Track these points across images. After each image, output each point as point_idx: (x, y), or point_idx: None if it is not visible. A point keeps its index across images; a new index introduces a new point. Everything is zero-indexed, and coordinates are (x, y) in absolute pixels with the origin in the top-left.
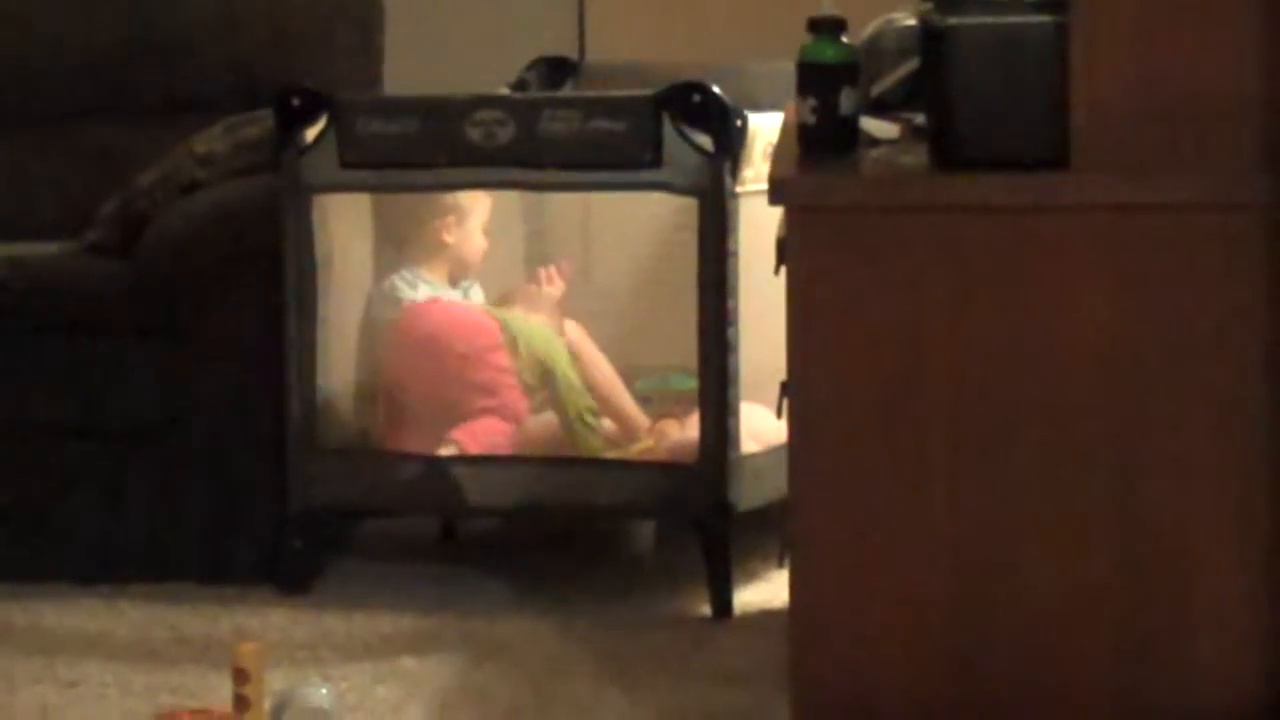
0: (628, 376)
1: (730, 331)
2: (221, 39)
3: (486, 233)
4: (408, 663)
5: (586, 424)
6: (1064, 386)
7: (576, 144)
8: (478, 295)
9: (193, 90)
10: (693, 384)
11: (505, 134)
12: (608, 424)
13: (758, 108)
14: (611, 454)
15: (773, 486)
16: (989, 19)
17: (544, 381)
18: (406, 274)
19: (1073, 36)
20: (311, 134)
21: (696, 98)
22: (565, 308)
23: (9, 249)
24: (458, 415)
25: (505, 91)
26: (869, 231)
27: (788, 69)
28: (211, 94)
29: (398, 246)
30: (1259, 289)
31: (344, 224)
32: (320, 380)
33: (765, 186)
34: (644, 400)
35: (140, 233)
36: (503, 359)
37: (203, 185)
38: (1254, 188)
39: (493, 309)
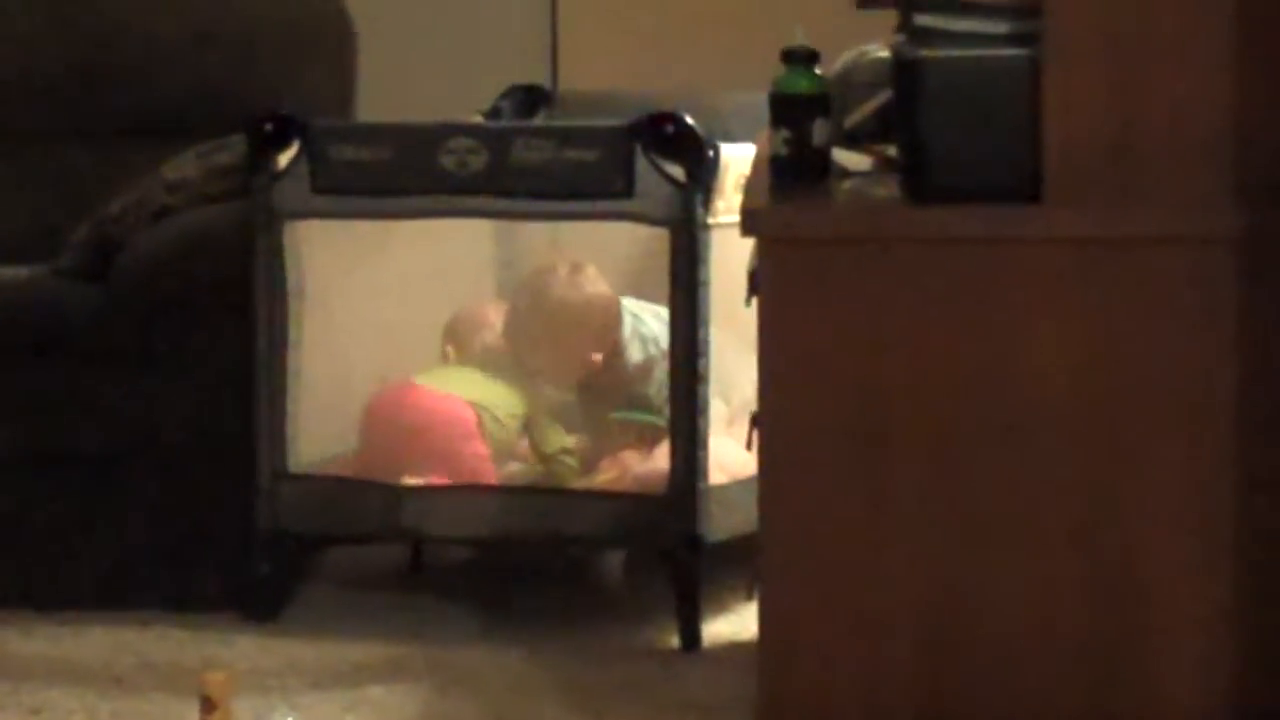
0: (599, 405)
1: (701, 362)
2: (194, 63)
3: (458, 263)
4: (375, 691)
5: (565, 463)
6: (1034, 419)
7: (549, 173)
8: None
9: (164, 115)
10: (657, 419)
11: (478, 162)
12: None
13: (730, 139)
14: (579, 484)
15: (742, 519)
16: (961, 52)
17: (521, 432)
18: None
19: (1045, 70)
20: (284, 160)
21: (669, 128)
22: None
23: None
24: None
25: (478, 119)
26: (841, 263)
27: (760, 100)
28: (183, 119)
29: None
30: (1229, 323)
31: (316, 250)
32: (290, 406)
33: (737, 218)
34: (618, 430)
35: (111, 258)
36: (479, 446)
37: (174, 211)
38: (1224, 222)
39: (467, 385)
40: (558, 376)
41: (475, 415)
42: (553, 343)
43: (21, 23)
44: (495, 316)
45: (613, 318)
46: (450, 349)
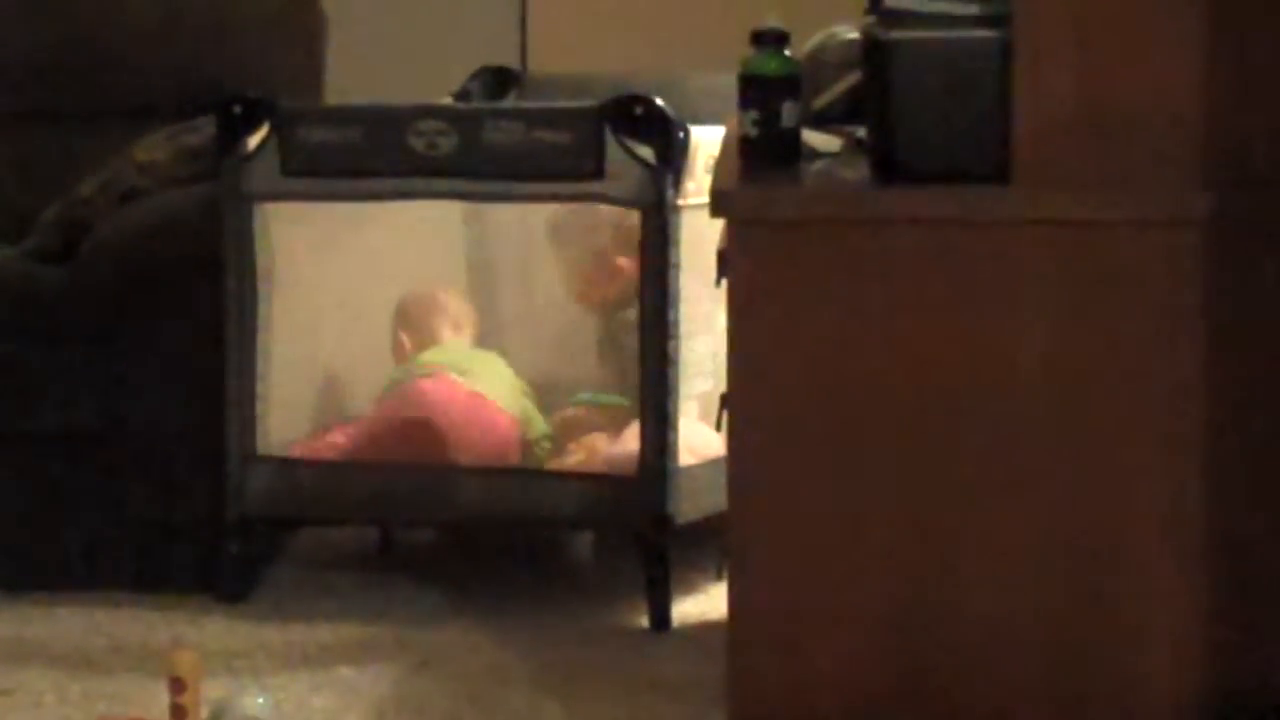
0: (562, 391)
1: (670, 345)
2: (163, 45)
3: (427, 245)
4: (345, 672)
5: (544, 448)
6: (1005, 400)
7: (519, 155)
8: None
9: (134, 97)
10: (624, 400)
11: (448, 144)
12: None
13: (700, 120)
14: (550, 465)
15: (711, 500)
16: (932, 33)
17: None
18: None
19: (1015, 52)
20: (253, 142)
21: (639, 109)
22: (506, 322)
23: None
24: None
25: (448, 101)
26: (810, 244)
27: (730, 81)
28: (153, 101)
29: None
30: (1198, 304)
31: (286, 231)
32: (260, 389)
33: (707, 199)
34: (578, 414)
35: (80, 239)
36: (515, 452)
37: (144, 193)
38: (1193, 203)
39: (507, 392)
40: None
41: (513, 419)
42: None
43: None
44: (448, 300)
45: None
46: (405, 336)
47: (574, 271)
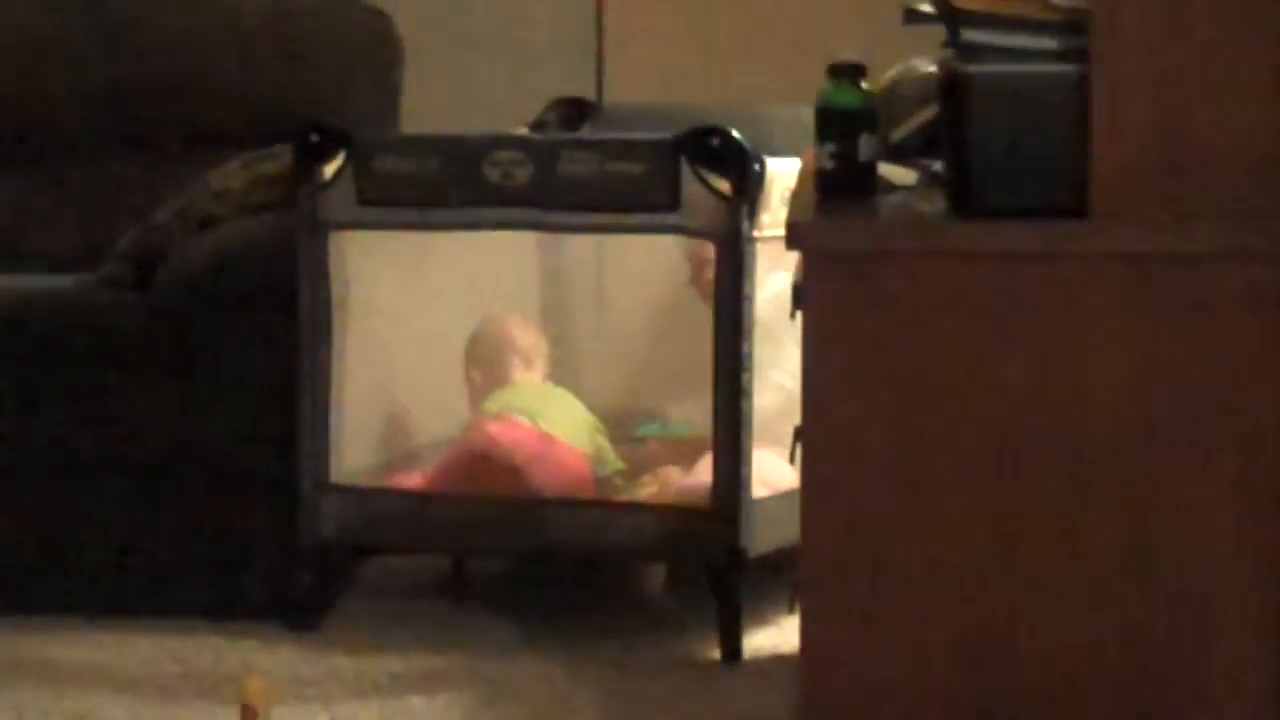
0: (632, 420)
1: (745, 376)
2: (241, 75)
3: (502, 276)
4: (416, 702)
5: (616, 485)
6: (1082, 437)
7: (594, 186)
8: None
9: (211, 125)
10: (693, 431)
11: (523, 174)
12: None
13: (775, 152)
14: (622, 496)
15: (784, 532)
16: (1010, 67)
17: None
18: None
19: (1093, 86)
20: (330, 171)
21: (715, 141)
22: (579, 353)
23: (27, 281)
24: None
25: (523, 132)
26: (886, 277)
27: (805, 114)
28: (230, 129)
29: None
30: (1278, 339)
31: (361, 260)
32: (333, 417)
33: (783, 231)
34: (644, 445)
35: (156, 267)
36: (590, 488)
37: (220, 220)
38: (1273, 238)
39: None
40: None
41: (588, 459)
42: None
43: (69, 35)
44: (518, 333)
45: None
46: (476, 374)
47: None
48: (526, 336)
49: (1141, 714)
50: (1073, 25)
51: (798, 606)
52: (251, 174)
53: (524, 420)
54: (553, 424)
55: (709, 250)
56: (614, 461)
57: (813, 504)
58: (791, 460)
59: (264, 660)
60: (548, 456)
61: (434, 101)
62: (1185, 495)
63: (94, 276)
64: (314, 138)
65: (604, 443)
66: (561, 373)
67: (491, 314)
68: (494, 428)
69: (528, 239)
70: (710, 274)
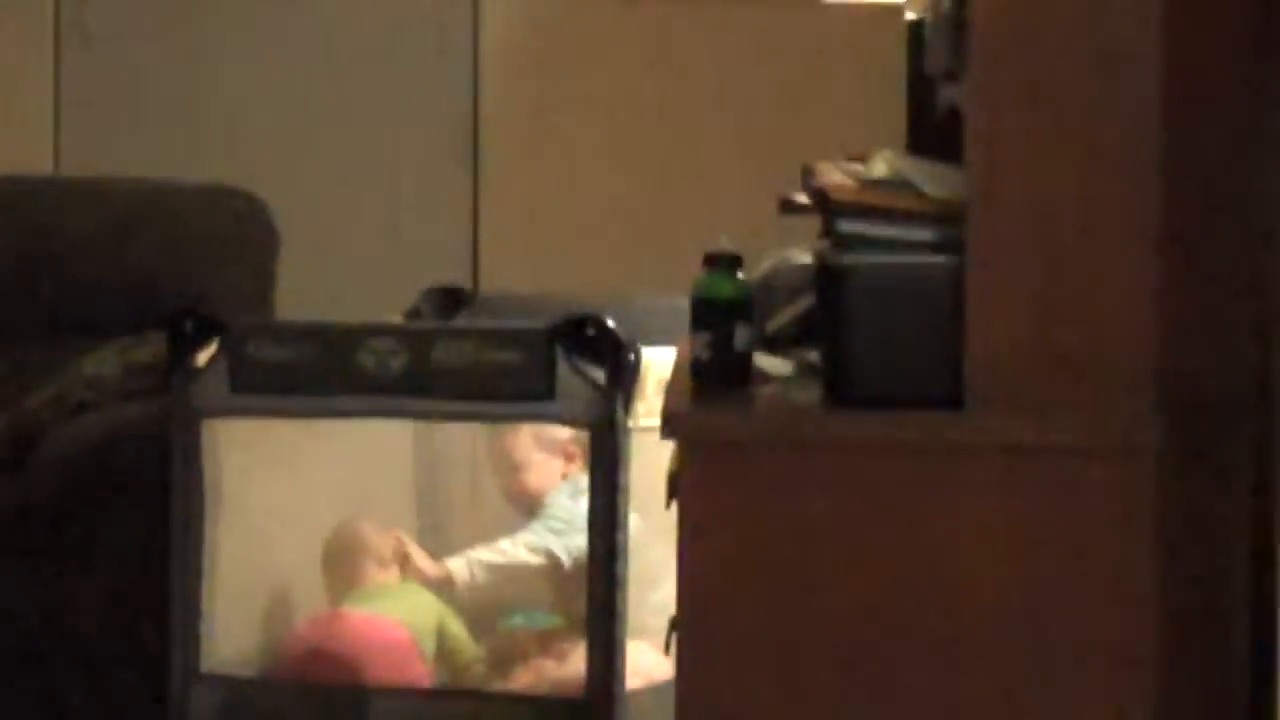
0: (498, 611)
1: (618, 566)
2: (113, 259)
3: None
4: None
5: (477, 673)
6: (958, 627)
7: (470, 374)
8: None
9: (83, 310)
10: (558, 621)
11: (398, 363)
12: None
13: (650, 341)
14: (498, 687)
15: None
16: (885, 258)
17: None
18: None
19: (969, 279)
20: (203, 358)
21: (590, 330)
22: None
23: None
24: None
25: (398, 320)
26: (762, 467)
27: (680, 303)
28: (103, 315)
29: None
30: (1152, 533)
31: (235, 448)
32: (205, 605)
33: (658, 421)
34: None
35: (28, 453)
36: (419, 666)
37: (93, 407)
38: (1148, 431)
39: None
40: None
41: (410, 635)
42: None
43: None
44: (372, 536)
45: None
46: (332, 580)
47: (503, 466)
48: (381, 538)
49: None
50: (948, 217)
51: None
52: (125, 360)
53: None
54: (393, 614)
55: (523, 452)
56: (470, 649)
57: (689, 695)
58: (666, 650)
59: None
60: (379, 637)
61: (309, 288)
62: (1061, 688)
63: None
64: (187, 325)
65: (458, 630)
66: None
67: (344, 519)
68: (323, 617)
69: (403, 427)
70: (524, 480)
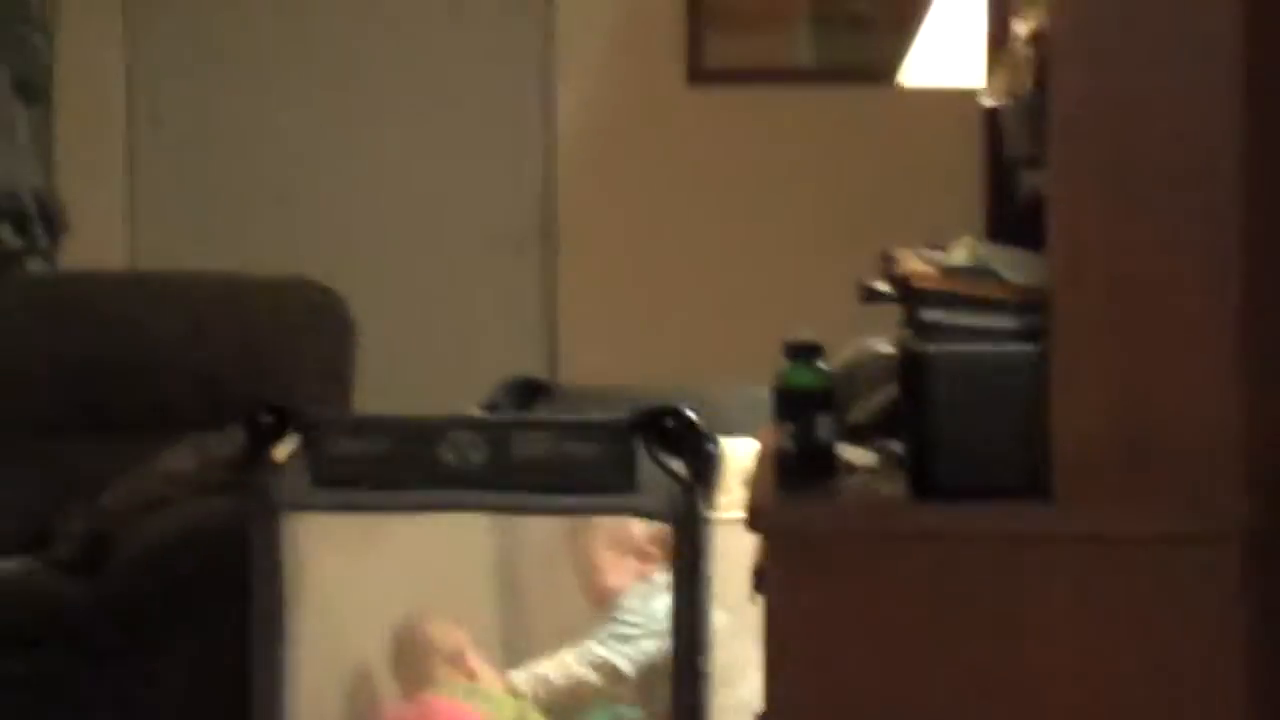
0: (578, 710)
1: (701, 659)
2: (190, 356)
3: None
4: None
5: None
6: (1044, 717)
7: (549, 467)
8: None
9: (161, 406)
10: (642, 717)
11: (478, 455)
12: None
13: (730, 432)
14: None
15: None
16: (968, 347)
17: None
18: None
19: (1052, 366)
20: (282, 452)
21: (670, 422)
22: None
23: None
24: None
25: (477, 412)
26: (848, 559)
27: (759, 393)
28: (180, 410)
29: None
30: (1242, 619)
31: (315, 542)
32: (288, 699)
33: (739, 513)
34: None
35: (107, 550)
36: None
37: (171, 502)
38: (1234, 517)
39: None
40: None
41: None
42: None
43: (19, 316)
44: (439, 634)
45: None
46: (401, 680)
47: (580, 565)
48: (449, 637)
49: None
50: (1030, 305)
51: None
52: (203, 456)
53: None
54: (478, 708)
55: (599, 551)
56: None
57: None
58: None
59: None
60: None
61: (388, 381)
62: None
63: (45, 559)
64: (266, 419)
65: (536, 718)
66: (513, 657)
67: (408, 616)
68: (407, 708)
69: (482, 521)
70: (601, 579)
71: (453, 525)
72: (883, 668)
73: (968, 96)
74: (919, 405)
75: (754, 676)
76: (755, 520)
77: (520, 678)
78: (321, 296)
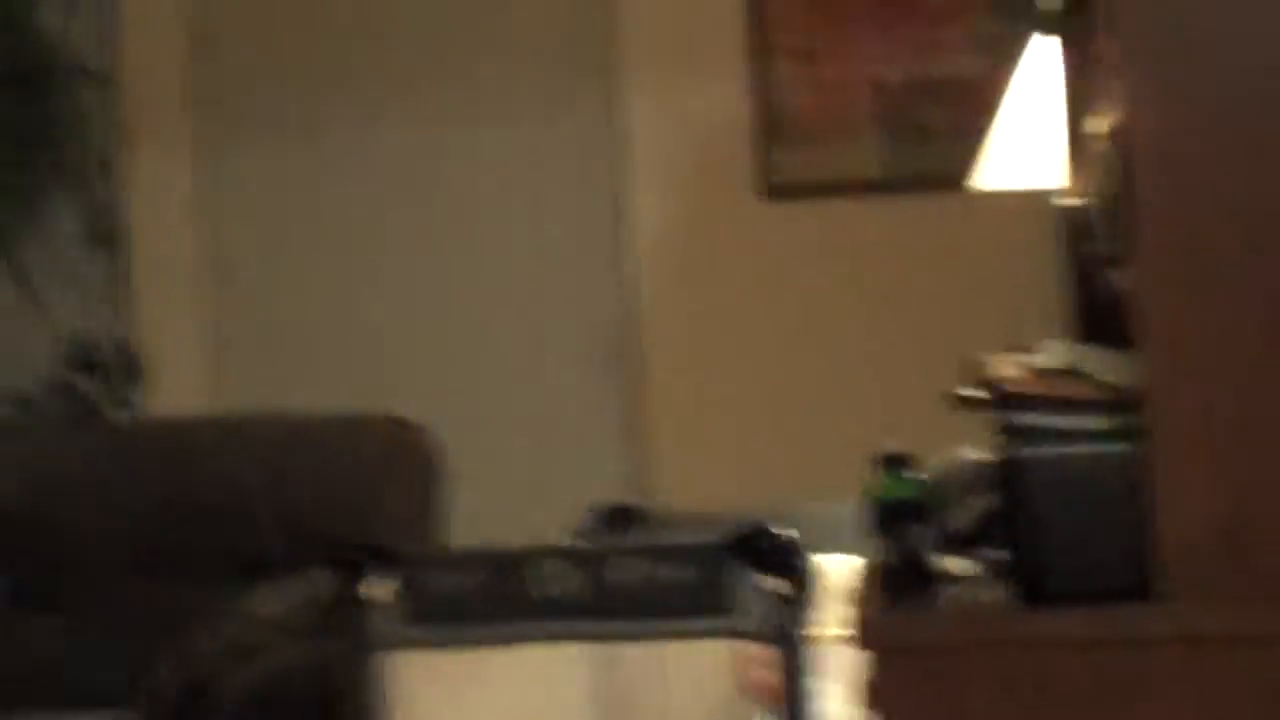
0: None
1: None
2: (270, 498)
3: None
4: None
5: None
6: None
7: (645, 593)
8: None
9: (246, 550)
10: None
11: (572, 584)
12: None
13: (817, 548)
14: None
15: None
16: (1064, 449)
17: None
18: None
19: (1152, 466)
20: (373, 590)
21: (765, 542)
22: None
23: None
24: None
25: (568, 540)
26: (956, 669)
27: (841, 507)
28: (265, 552)
29: None
30: None
31: (410, 680)
32: None
33: (838, 629)
34: None
35: (201, 699)
36: None
37: (262, 648)
38: None
39: None
40: None
41: None
42: None
43: (102, 464)
44: None
45: None
46: None
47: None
48: None
49: None
50: (1122, 404)
51: None
52: (291, 598)
53: None
54: None
55: (748, 648)
56: None
57: None
58: None
59: None
60: None
61: (477, 511)
62: None
63: (138, 712)
64: (355, 558)
65: None
66: None
67: None
68: None
69: (579, 652)
70: (755, 673)
71: (549, 656)
72: None
73: (1039, 198)
74: (1019, 509)
75: None
76: (864, 635)
77: None
78: (402, 432)
